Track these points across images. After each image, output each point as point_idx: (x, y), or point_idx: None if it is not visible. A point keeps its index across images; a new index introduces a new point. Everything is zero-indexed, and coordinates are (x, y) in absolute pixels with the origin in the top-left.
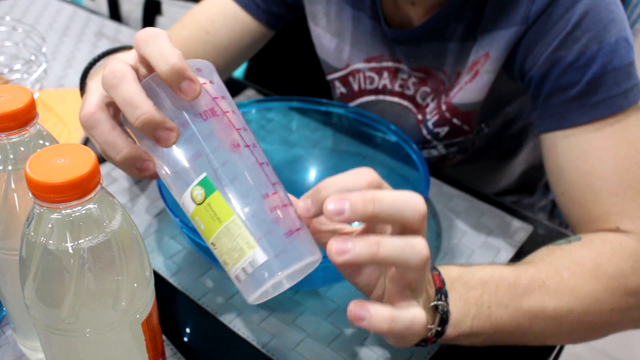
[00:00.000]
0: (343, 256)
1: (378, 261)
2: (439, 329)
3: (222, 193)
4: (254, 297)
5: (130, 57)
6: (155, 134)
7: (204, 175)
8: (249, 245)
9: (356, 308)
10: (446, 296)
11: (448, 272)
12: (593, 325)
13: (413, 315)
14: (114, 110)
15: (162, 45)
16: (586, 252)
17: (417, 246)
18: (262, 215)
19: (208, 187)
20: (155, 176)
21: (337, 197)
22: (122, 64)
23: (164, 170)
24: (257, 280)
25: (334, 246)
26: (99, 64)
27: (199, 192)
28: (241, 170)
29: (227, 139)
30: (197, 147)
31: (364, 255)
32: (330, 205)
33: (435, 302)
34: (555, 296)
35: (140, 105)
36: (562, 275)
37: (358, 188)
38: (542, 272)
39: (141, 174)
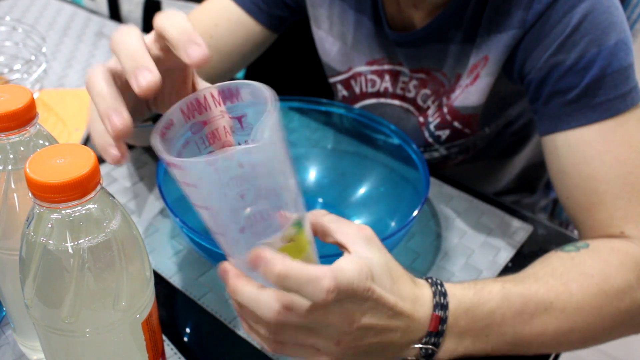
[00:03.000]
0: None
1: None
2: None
3: None
4: None
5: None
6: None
7: None
8: None
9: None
10: (440, 336)
11: (459, 301)
12: (592, 337)
13: None
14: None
15: (178, 19)
16: (595, 263)
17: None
18: None
19: None
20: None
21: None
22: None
23: None
24: None
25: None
26: None
27: None
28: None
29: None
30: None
31: None
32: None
33: (420, 345)
34: (559, 317)
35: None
36: (570, 290)
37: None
38: (551, 292)
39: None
